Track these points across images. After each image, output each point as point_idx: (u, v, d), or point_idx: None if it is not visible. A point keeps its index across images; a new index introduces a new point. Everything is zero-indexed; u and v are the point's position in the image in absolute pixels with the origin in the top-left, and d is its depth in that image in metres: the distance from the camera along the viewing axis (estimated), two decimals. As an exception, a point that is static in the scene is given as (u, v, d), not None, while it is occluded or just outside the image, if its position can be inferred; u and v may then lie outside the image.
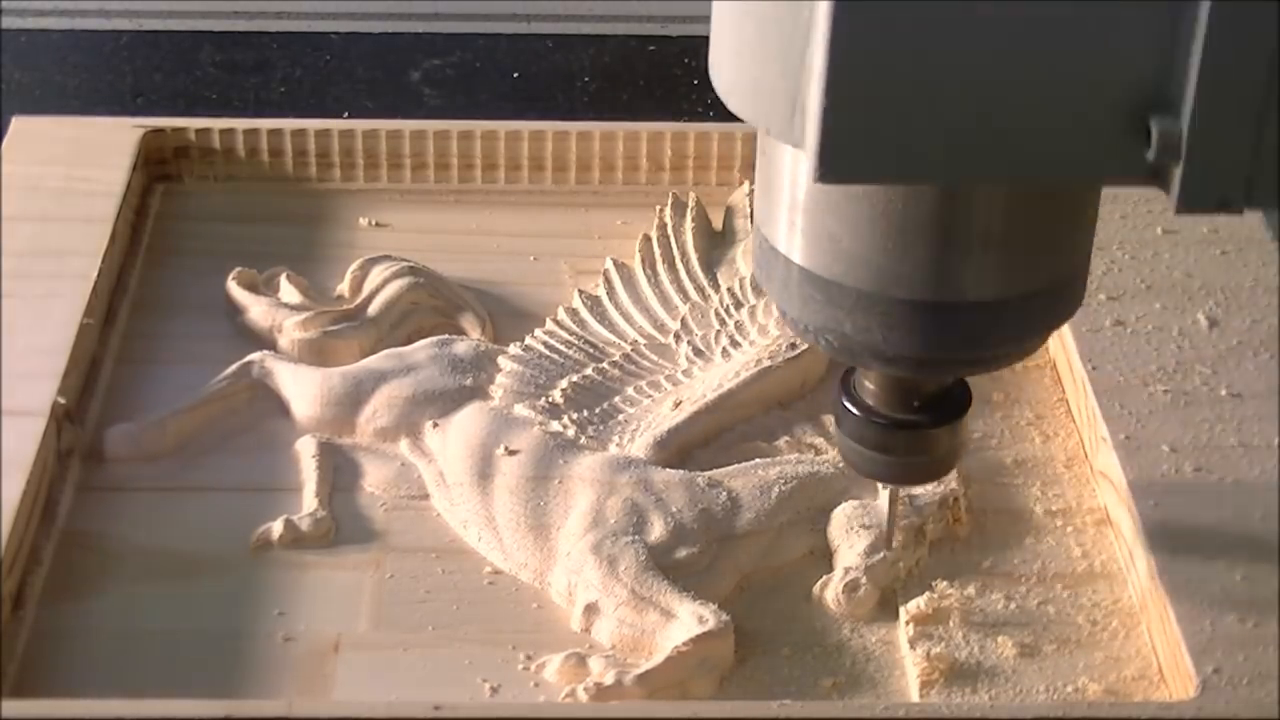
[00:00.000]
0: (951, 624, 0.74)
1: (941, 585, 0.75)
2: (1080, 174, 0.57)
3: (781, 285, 0.64)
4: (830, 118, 0.55)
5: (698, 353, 0.87)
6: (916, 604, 0.74)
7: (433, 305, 0.91)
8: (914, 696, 0.71)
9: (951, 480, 0.80)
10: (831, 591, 0.75)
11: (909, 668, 0.73)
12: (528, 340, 0.88)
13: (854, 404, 0.69)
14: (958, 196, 0.60)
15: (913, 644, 0.73)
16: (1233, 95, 0.53)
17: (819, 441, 0.83)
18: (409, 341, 0.89)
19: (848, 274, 0.62)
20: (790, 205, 0.63)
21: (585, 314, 0.91)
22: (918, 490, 0.79)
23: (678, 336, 0.89)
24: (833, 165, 0.56)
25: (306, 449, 0.82)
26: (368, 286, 0.91)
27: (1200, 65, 0.53)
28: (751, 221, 0.96)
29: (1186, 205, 0.55)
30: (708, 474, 0.80)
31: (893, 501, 0.75)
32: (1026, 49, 0.54)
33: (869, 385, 0.69)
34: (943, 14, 0.53)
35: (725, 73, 0.59)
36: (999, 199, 0.61)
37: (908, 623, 0.74)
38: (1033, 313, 0.64)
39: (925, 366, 0.66)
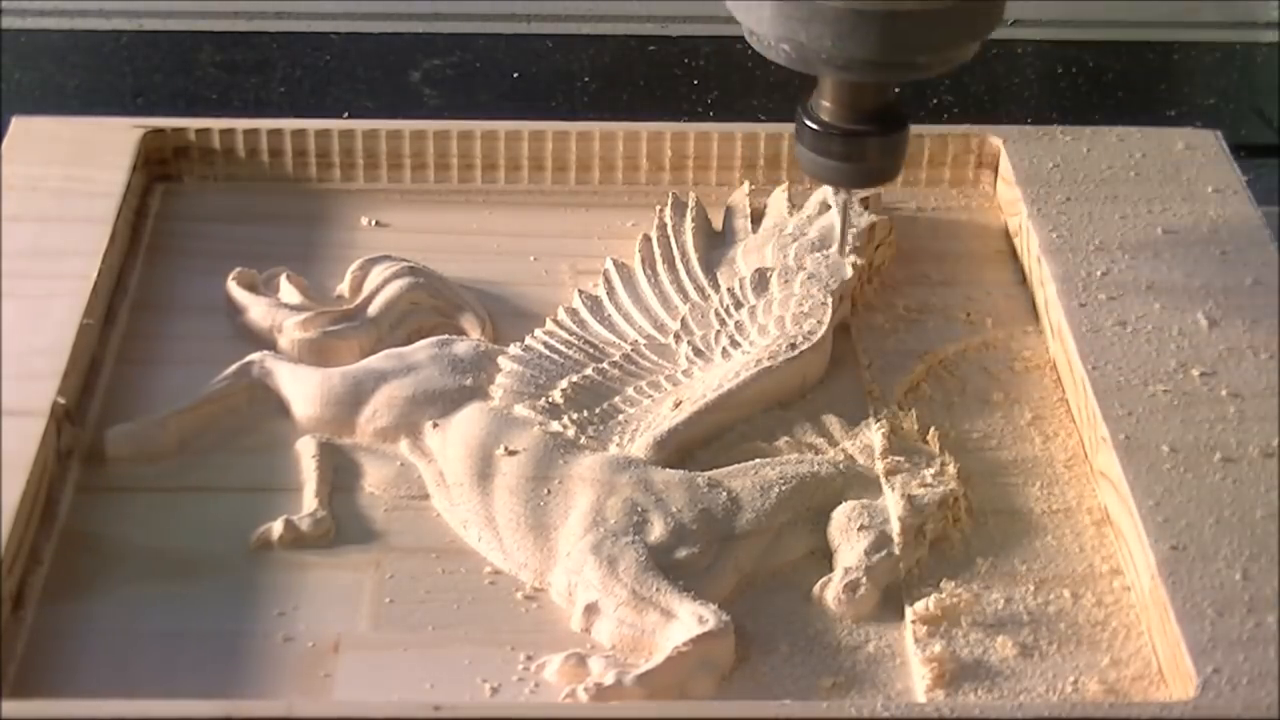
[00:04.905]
0: (954, 624, 0.74)
1: (949, 586, 0.75)
2: None
3: (747, 7, 0.81)
4: None
5: (698, 353, 0.87)
6: (924, 605, 0.74)
7: (433, 305, 0.91)
8: (919, 697, 0.71)
9: (951, 480, 0.80)
10: (831, 591, 0.75)
11: (915, 668, 0.72)
12: (528, 340, 0.88)
13: (811, 120, 0.85)
14: None
15: (918, 644, 0.73)
16: None
17: (819, 441, 0.83)
18: (409, 341, 0.89)
19: None
20: None
21: (585, 314, 0.91)
22: (918, 490, 0.79)
23: (678, 336, 0.88)
24: None
25: (306, 449, 0.82)
26: (368, 286, 0.91)
27: None
28: (751, 223, 0.96)
29: None
30: (708, 474, 0.80)
31: (845, 208, 0.92)
32: None
33: (824, 103, 0.85)
34: None
35: None
36: None
37: (914, 623, 0.74)
38: (956, 23, 0.80)
39: (867, 70, 0.81)
